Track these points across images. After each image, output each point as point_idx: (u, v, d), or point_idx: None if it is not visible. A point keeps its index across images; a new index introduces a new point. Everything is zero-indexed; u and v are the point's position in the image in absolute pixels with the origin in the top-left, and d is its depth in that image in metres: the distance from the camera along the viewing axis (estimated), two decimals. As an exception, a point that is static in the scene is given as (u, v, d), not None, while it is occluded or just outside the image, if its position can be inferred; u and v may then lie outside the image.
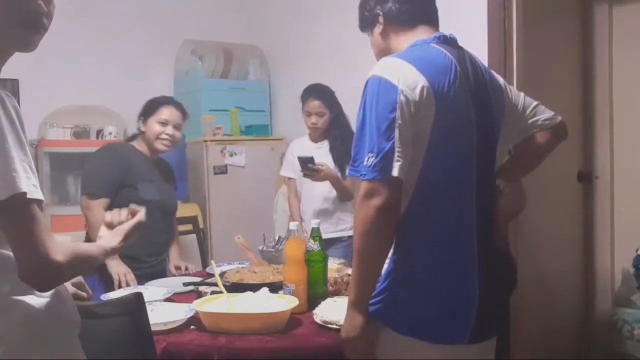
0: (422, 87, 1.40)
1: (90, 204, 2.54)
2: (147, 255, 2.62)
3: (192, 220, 3.38)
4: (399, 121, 1.37)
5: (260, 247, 2.72)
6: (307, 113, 3.21)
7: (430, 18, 1.62)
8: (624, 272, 3.30)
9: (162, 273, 2.71)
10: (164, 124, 2.64)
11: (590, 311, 3.53)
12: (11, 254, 1.14)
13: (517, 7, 2.87)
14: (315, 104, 3.18)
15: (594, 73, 3.54)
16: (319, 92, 3.20)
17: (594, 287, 3.56)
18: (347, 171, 1.50)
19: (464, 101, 1.47)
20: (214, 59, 4.17)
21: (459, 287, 1.46)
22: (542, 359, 3.05)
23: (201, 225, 3.58)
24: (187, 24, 4.23)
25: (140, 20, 4.05)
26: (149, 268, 2.63)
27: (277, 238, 2.82)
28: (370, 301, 1.46)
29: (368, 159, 1.37)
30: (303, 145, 3.31)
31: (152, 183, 2.63)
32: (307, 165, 2.90)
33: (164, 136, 2.64)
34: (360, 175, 1.39)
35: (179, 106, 2.73)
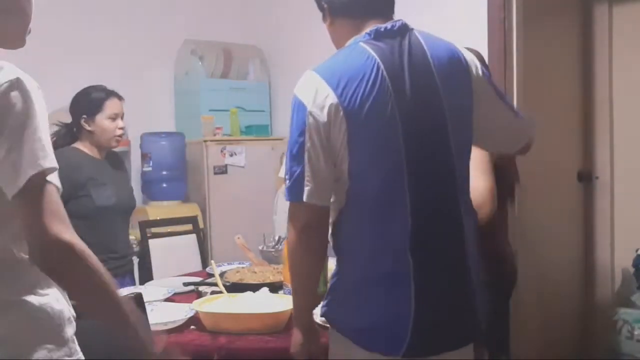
0: (331, 105, 1.35)
1: None
2: (113, 258, 2.53)
3: (192, 220, 3.38)
4: (308, 144, 1.36)
5: (260, 247, 2.72)
6: None
7: (382, 11, 1.49)
8: (624, 272, 3.30)
9: (130, 274, 2.70)
10: (114, 118, 2.51)
11: (590, 311, 3.53)
12: (14, 253, 1.14)
13: (517, 7, 2.87)
14: None
15: (594, 73, 3.54)
16: None
17: (594, 288, 3.56)
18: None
19: (385, 107, 1.36)
20: (214, 59, 4.16)
21: (392, 299, 1.39)
22: (542, 359, 3.04)
23: (201, 225, 3.57)
24: (187, 24, 4.22)
25: (140, 20, 4.04)
26: (118, 269, 2.56)
27: (277, 238, 2.82)
28: (323, 301, 1.50)
29: (286, 181, 1.40)
30: None
31: (106, 186, 2.50)
32: None
33: (117, 132, 2.52)
34: (285, 195, 1.42)
35: (117, 94, 2.58)
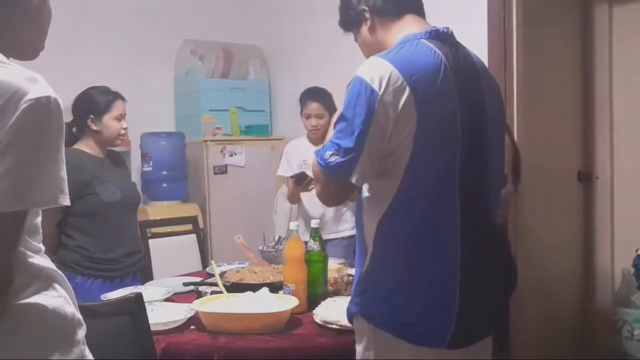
0: (404, 96, 1.35)
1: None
2: (123, 255, 2.57)
3: (192, 220, 3.37)
4: (373, 130, 1.36)
5: (260, 247, 2.72)
6: (306, 116, 3.23)
7: (416, 6, 1.57)
8: (624, 272, 3.30)
9: (140, 272, 2.69)
10: (119, 119, 2.57)
11: (590, 311, 3.53)
12: (24, 254, 1.13)
13: (517, 7, 2.87)
14: (314, 106, 3.19)
15: (594, 73, 3.54)
16: (317, 95, 3.22)
17: (594, 287, 3.56)
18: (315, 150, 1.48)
19: (450, 105, 1.41)
20: (214, 59, 4.17)
21: (438, 293, 1.43)
22: (542, 359, 3.04)
23: (201, 225, 3.58)
24: (187, 24, 4.23)
25: (140, 20, 4.04)
26: (128, 268, 2.59)
27: (277, 238, 2.82)
28: (354, 298, 1.50)
29: (336, 152, 1.39)
30: (303, 147, 3.29)
31: (110, 183, 2.53)
32: (302, 182, 2.92)
33: (122, 132, 2.59)
34: (322, 161, 1.41)
35: (122, 96, 2.63)
